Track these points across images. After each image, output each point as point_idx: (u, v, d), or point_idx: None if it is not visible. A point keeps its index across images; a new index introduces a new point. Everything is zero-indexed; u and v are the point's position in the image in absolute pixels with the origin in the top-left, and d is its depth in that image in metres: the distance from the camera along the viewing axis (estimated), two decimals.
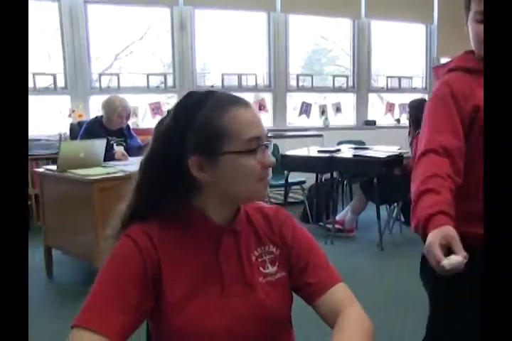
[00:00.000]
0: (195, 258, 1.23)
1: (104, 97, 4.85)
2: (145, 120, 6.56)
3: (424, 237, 1.35)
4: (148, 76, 6.52)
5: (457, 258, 1.22)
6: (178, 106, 1.22)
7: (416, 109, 5.18)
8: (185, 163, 1.18)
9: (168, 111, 1.25)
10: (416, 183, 1.46)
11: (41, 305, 3.66)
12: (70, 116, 6.05)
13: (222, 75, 6.92)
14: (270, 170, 1.23)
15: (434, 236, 1.29)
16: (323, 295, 1.27)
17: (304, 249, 1.34)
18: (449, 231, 1.30)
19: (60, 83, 6.20)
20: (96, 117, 4.86)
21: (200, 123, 1.17)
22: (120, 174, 3.83)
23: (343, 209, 5.59)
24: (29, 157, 5.60)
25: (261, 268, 1.28)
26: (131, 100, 5.21)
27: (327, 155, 5.19)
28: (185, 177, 1.20)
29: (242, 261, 1.27)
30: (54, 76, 6.13)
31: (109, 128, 4.73)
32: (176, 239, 1.22)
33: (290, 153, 5.42)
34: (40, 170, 4.28)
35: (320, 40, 8.20)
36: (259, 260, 1.29)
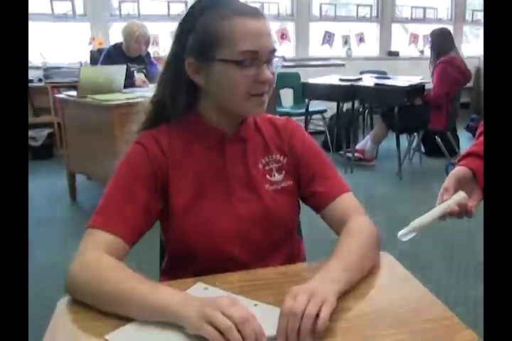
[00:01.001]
0: (202, 164, 1.27)
1: (124, 24, 4.80)
2: (166, 48, 6.48)
3: None
4: (168, 3, 6.40)
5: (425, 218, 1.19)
6: (189, 9, 1.22)
7: (438, 38, 5.09)
8: (184, 65, 1.21)
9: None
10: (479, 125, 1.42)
11: (65, 227, 3.80)
12: (90, 43, 6.00)
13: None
14: (266, 88, 1.19)
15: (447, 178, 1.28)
16: (331, 204, 1.30)
17: (313, 159, 1.36)
18: (453, 174, 1.28)
19: (79, 10, 6.11)
20: (115, 44, 4.84)
21: (202, 26, 1.17)
22: (140, 99, 3.81)
23: (363, 138, 5.59)
24: (50, 85, 5.66)
25: (268, 176, 1.31)
26: (152, 28, 5.14)
27: (348, 83, 5.14)
28: (185, 80, 1.22)
29: (248, 167, 1.29)
30: (72, 2, 6.02)
31: (128, 56, 4.72)
32: (183, 146, 1.27)
33: (311, 81, 5.36)
34: (61, 96, 4.31)
35: None
36: (266, 168, 1.32)
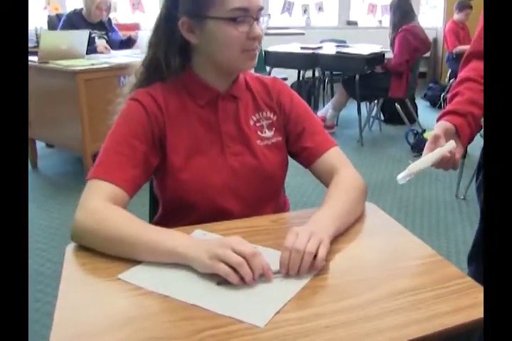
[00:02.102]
0: (196, 121, 1.32)
1: None
2: (125, 15, 6.37)
3: None
4: None
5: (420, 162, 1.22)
6: None
7: (398, 7, 5.14)
8: (177, 24, 1.24)
9: None
10: (451, 88, 1.46)
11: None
12: (45, 8, 5.84)
13: None
14: (257, 43, 1.24)
15: (432, 132, 1.32)
16: (320, 158, 1.37)
17: (301, 115, 1.42)
18: (440, 125, 1.32)
19: None
20: (75, 10, 4.72)
21: None
22: (105, 65, 3.78)
23: (324, 106, 5.64)
24: None
25: (259, 132, 1.37)
26: None
27: (310, 51, 5.16)
28: (177, 40, 1.27)
29: (240, 124, 1.35)
30: None
31: (89, 21, 4.61)
32: (178, 103, 1.31)
33: (273, 49, 5.37)
34: None
35: None
36: (257, 124, 1.38)
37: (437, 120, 1.37)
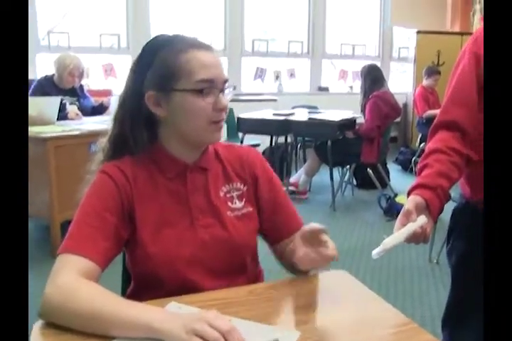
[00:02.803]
0: (165, 194, 1.31)
1: (53, 56, 4.70)
2: (97, 81, 6.41)
3: None
4: (100, 36, 6.36)
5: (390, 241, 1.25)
6: (144, 47, 1.30)
7: (369, 74, 5.26)
8: (143, 98, 1.27)
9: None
10: (420, 159, 1.51)
11: None
12: None
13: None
14: (223, 115, 1.28)
15: (404, 206, 1.34)
16: (287, 239, 1.40)
17: (275, 193, 1.43)
18: (411, 200, 1.35)
19: None
20: (46, 76, 4.70)
21: (160, 61, 1.25)
22: (76, 132, 3.75)
23: (296, 172, 5.65)
24: None
25: (229, 203, 1.37)
26: (83, 60, 5.06)
27: (282, 118, 5.21)
28: (145, 113, 1.28)
29: (210, 195, 1.34)
30: None
31: (61, 87, 4.58)
32: (147, 176, 1.31)
33: (245, 115, 5.41)
34: None
35: (276, 6, 8.12)
36: (228, 195, 1.37)
37: (408, 193, 1.40)
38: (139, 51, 1.31)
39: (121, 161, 1.31)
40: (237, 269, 1.36)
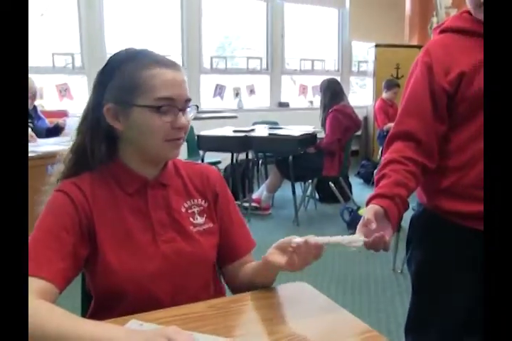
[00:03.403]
0: (126, 210, 1.30)
1: None
2: (51, 102, 6.26)
3: None
4: (53, 55, 6.22)
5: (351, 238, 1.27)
6: (109, 59, 1.29)
7: (328, 88, 5.28)
8: (102, 113, 1.26)
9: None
10: (377, 170, 1.55)
11: None
12: None
13: None
14: (182, 133, 1.27)
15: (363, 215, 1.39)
16: (238, 261, 1.42)
17: (232, 215, 1.45)
18: (370, 209, 1.39)
19: None
20: None
21: (121, 75, 1.25)
22: (31, 154, 3.60)
23: (258, 188, 5.61)
24: None
25: (191, 219, 1.37)
26: (36, 81, 4.94)
27: (242, 134, 5.16)
28: (104, 126, 1.27)
29: (171, 211, 1.34)
30: None
31: None
32: (106, 193, 1.30)
33: (205, 133, 5.35)
34: None
35: (234, 22, 8.12)
36: (189, 211, 1.37)
37: (367, 203, 1.43)
38: (95, 71, 1.30)
39: (79, 178, 1.29)
40: (200, 284, 1.37)
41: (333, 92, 5.23)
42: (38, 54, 6.12)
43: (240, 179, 5.43)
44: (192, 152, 5.87)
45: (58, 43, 6.40)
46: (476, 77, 1.45)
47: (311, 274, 3.46)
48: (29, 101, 4.46)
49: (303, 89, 8.15)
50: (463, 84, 1.48)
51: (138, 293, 1.27)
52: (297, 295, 1.33)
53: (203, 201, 1.40)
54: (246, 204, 5.13)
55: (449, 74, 1.49)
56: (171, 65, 1.26)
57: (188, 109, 1.29)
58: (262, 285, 1.35)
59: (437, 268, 1.63)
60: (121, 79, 1.25)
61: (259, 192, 5.39)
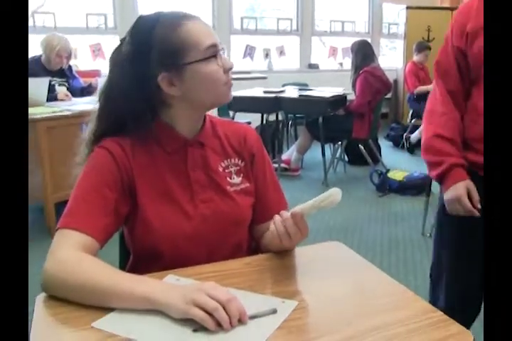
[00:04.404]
0: (165, 169, 1.31)
1: (39, 37, 4.62)
2: (86, 62, 6.34)
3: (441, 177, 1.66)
4: (87, 16, 6.28)
5: None
6: (133, 31, 1.26)
7: (359, 49, 5.24)
8: (155, 82, 1.24)
9: (122, 39, 1.29)
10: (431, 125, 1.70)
11: None
12: None
13: None
14: (231, 74, 1.29)
15: (460, 189, 1.61)
16: (267, 222, 1.36)
17: (267, 176, 1.45)
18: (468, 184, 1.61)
19: None
20: (34, 57, 4.64)
21: (159, 41, 1.23)
22: (66, 113, 3.71)
23: (288, 149, 5.64)
24: None
25: (228, 178, 1.38)
26: (71, 41, 5.00)
27: (273, 95, 5.18)
28: (156, 96, 1.27)
29: (209, 170, 1.36)
30: None
31: (49, 69, 4.54)
32: (146, 151, 1.31)
33: (235, 93, 5.37)
34: None
35: None
36: (226, 171, 1.39)
37: (442, 177, 1.65)
38: (126, 31, 1.28)
39: (120, 137, 1.30)
40: (234, 243, 1.39)
41: (364, 54, 5.19)
42: (71, 15, 6.19)
43: (269, 140, 5.47)
44: (222, 112, 5.92)
45: (91, 4, 6.43)
46: (475, 39, 1.56)
47: (340, 237, 3.57)
48: (64, 60, 4.56)
49: (333, 51, 8.08)
50: (468, 44, 1.60)
51: (174, 251, 1.29)
52: (332, 253, 1.34)
53: (240, 161, 1.41)
54: (275, 165, 5.18)
55: (463, 34, 1.61)
56: (193, 16, 1.28)
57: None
58: (286, 248, 1.31)
59: (451, 229, 1.77)
60: (160, 45, 1.22)
61: (289, 153, 5.44)
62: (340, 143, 5.45)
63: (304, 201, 1.20)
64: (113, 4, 6.48)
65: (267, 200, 1.43)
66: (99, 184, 1.23)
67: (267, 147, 5.44)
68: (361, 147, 5.23)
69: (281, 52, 7.63)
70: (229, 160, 1.39)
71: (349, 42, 5.52)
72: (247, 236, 1.44)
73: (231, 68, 1.28)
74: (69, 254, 1.11)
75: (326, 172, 5.04)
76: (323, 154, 5.00)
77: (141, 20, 1.27)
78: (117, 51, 1.29)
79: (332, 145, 5.57)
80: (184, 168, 1.33)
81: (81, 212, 1.20)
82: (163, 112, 1.32)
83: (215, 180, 1.35)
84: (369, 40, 6.20)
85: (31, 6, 6.08)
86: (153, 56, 1.23)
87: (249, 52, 7.40)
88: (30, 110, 3.65)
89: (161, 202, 1.29)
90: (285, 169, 5.28)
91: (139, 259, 1.38)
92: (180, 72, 1.24)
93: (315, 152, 5.46)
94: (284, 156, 5.41)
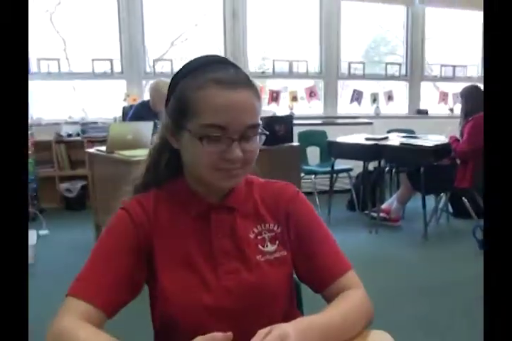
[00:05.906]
0: (188, 234, 1.21)
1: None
2: None
3: None
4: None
5: None
6: (180, 70, 1.21)
7: (469, 95, 5.00)
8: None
9: None
10: None
11: None
12: (124, 100, 6.20)
13: (273, 61, 7.00)
14: (237, 165, 1.13)
15: None
16: (332, 285, 1.23)
17: (314, 232, 1.28)
18: None
19: (117, 68, 6.38)
20: (143, 101, 4.98)
21: (179, 90, 1.15)
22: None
23: (389, 198, 5.54)
24: (86, 139, 5.89)
25: (259, 246, 1.23)
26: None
27: (373, 143, 5.10)
28: (169, 144, 1.21)
29: (237, 238, 1.22)
30: (111, 61, 6.32)
31: (156, 112, 4.82)
32: (169, 213, 1.22)
33: (336, 139, 5.38)
34: (91, 150, 4.45)
35: (375, 28, 8.08)
36: (259, 237, 1.24)
37: None
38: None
39: (145, 195, 1.24)
40: (266, 319, 1.11)
41: (474, 100, 4.93)
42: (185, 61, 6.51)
43: (370, 188, 5.42)
44: (324, 158, 5.95)
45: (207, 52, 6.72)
46: None
47: (429, 296, 3.39)
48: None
49: (443, 96, 7.91)
50: None
51: (195, 329, 1.05)
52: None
53: (276, 226, 1.25)
54: (375, 214, 5.11)
55: None
56: (230, 82, 1.10)
57: (256, 137, 1.14)
58: None
59: None
60: (178, 96, 1.14)
61: (390, 203, 5.35)
62: (443, 193, 5.27)
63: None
64: (224, 52, 6.75)
65: (319, 262, 1.25)
66: (114, 250, 1.16)
67: (367, 195, 5.38)
68: (464, 198, 5.02)
69: (389, 97, 7.57)
70: (263, 225, 1.25)
71: (460, 87, 5.31)
72: (292, 311, 1.30)
73: (232, 160, 1.11)
74: (69, 322, 1.06)
75: (425, 225, 4.88)
76: (424, 206, 4.85)
77: (193, 62, 1.19)
78: None
79: (435, 196, 5.39)
80: (208, 234, 1.20)
81: (90, 280, 1.13)
82: (184, 171, 1.23)
83: (243, 249, 1.21)
84: (482, 85, 6.02)
85: (155, 55, 6.45)
86: (171, 100, 1.17)
87: (357, 96, 7.41)
88: (133, 152, 3.89)
89: (180, 269, 1.18)
90: (384, 219, 5.19)
91: (157, 333, 1.28)
92: (179, 131, 1.15)
93: (418, 202, 5.30)
94: (385, 205, 5.32)
